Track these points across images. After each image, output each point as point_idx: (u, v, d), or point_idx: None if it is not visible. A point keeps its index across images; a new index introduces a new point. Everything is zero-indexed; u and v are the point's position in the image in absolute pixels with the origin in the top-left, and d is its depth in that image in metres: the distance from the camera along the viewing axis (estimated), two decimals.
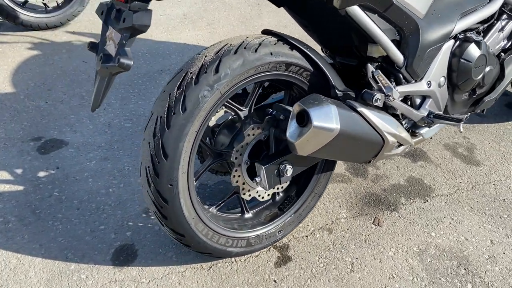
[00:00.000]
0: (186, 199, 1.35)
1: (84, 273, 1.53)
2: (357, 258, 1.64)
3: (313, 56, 1.41)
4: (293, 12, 1.61)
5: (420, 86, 1.62)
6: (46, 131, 2.26)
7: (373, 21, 1.41)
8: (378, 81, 1.44)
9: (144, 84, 2.73)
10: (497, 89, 1.95)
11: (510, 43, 1.97)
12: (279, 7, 1.58)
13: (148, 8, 1.14)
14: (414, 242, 1.72)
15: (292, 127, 1.30)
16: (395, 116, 1.62)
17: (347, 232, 1.76)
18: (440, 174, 2.09)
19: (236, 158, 1.44)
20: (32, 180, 1.94)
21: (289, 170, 1.46)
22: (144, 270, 1.55)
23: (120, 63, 1.12)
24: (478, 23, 1.78)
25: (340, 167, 2.10)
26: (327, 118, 1.28)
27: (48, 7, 3.36)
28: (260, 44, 1.33)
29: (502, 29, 1.89)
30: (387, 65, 1.57)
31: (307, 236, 1.72)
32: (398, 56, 1.52)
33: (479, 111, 1.99)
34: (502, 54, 1.96)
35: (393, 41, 1.50)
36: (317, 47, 1.73)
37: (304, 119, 1.28)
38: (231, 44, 1.31)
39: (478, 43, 1.70)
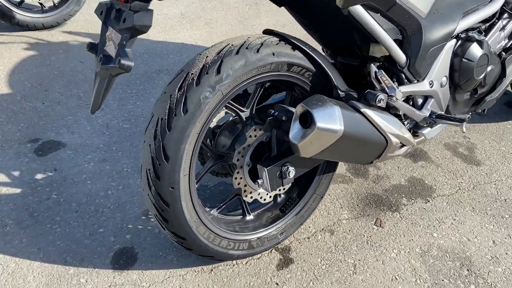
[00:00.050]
0: (187, 202, 1.33)
1: (84, 277, 1.51)
2: (359, 260, 1.63)
3: (315, 56, 1.39)
4: (294, 12, 1.59)
5: (422, 86, 1.60)
6: (43, 133, 2.24)
7: (375, 20, 1.40)
8: (381, 81, 1.43)
9: (142, 84, 2.71)
10: (498, 89, 1.94)
11: (511, 42, 1.96)
12: (280, 6, 1.56)
13: (149, 8, 1.12)
14: (416, 243, 1.71)
15: (295, 129, 1.29)
16: (397, 116, 1.61)
17: (349, 233, 1.74)
18: (441, 174, 2.08)
19: (238, 160, 1.42)
20: (29, 182, 1.92)
21: (292, 172, 1.44)
22: (145, 273, 1.53)
23: (121, 64, 1.09)
24: (479, 22, 1.77)
25: (341, 167, 2.09)
26: (331, 119, 1.26)
27: (45, 6, 3.33)
28: (262, 44, 1.31)
29: (503, 28, 1.88)
30: (389, 65, 1.56)
31: (308, 238, 1.71)
32: (400, 56, 1.50)
33: (480, 110, 1.98)
34: (503, 53, 1.95)
35: (395, 40, 1.49)
36: (318, 47, 1.71)
37: (307, 121, 1.27)
38: (232, 45, 1.29)
39: (480, 43, 1.69)
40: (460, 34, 1.69)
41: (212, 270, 1.55)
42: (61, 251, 1.60)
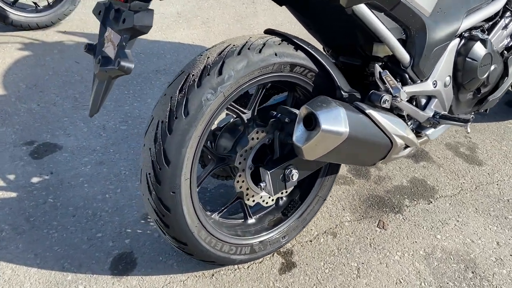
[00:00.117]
0: (188, 207, 1.30)
1: (82, 284, 1.48)
2: (362, 263, 1.60)
3: (318, 57, 1.36)
4: (295, 11, 1.56)
5: (426, 86, 1.58)
6: (39, 135, 2.20)
7: (379, 19, 1.37)
8: (386, 81, 1.40)
9: (139, 85, 2.67)
10: (501, 88, 1.92)
11: None
12: (281, 5, 1.53)
13: (149, 8, 1.08)
14: (420, 245, 1.69)
15: (299, 131, 1.26)
16: (401, 117, 1.58)
17: (352, 236, 1.72)
18: (443, 175, 2.06)
19: (240, 163, 1.39)
20: (25, 186, 1.88)
21: (295, 175, 1.41)
22: (144, 279, 1.50)
23: (121, 66, 1.06)
24: (483, 21, 1.75)
25: (342, 168, 2.06)
26: (336, 121, 1.24)
27: (39, 6, 3.28)
28: (264, 44, 1.28)
29: (505, 26, 1.86)
30: (392, 65, 1.53)
31: (311, 241, 1.68)
32: (404, 55, 1.48)
33: (482, 110, 1.96)
34: (505, 52, 1.93)
35: (399, 40, 1.46)
36: (319, 46, 1.68)
37: (311, 123, 1.24)
38: (234, 45, 1.26)
39: (484, 42, 1.67)
40: (463, 33, 1.67)
41: (213, 275, 1.52)
42: (58, 257, 1.57)
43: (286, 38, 1.35)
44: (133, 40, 1.09)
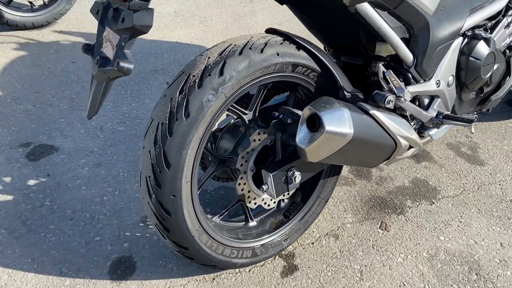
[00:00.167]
0: (189, 210, 1.27)
1: None
2: (365, 266, 1.58)
3: (320, 56, 1.34)
4: (296, 9, 1.53)
5: (429, 86, 1.56)
6: (35, 136, 2.16)
7: (383, 18, 1.34)
8: (390, 81, 1.37)
9: (137, 85, 2.64)
10: (504, 87, 1.90)
11: None
12: (282, 4, 1.50)
13: (149, 7, 1.05)
14: (423, 247, 1.67)
15: (302, 132, 1.23)
16: (404, 117, 1.56)
17: (354, 237, 1.69)
18: (444, 175, 2.04)
19: (241, 165, 1.37)
20: (21, 189, 1.84)
21: (298, 177, 1.38)
22: (144, 284, 1.47)
23: (120, 67, 1.02)
24: (485, 19, 1.73)
25: (343, 169, 2.03)
26: (340, 122, 1.21)
27: (34, 5, 3.24)
28: (266, 44, 1.25)
29: (508, 25, 1.84)
30: (395, 64, 1.51)
31: (313, 243, 1.66)
32: (407, 54, 1.45)
33: (485, 110, 1.94)
34: (507, 51, 1.91)
35: (402, 39, 1.44)
36: (320, 46, 1.66)
37: (315, 124, 1.21)
38: (235, 45, 1.23)
39: (487, 41, 1.65)
40: (466, 32, 1.65)
41: (214, 279, 1.50)
42: (56, 261, 1.53)
43: (288, 37, 1.32)
44: (133, 40, 1.06)
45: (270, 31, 1.38)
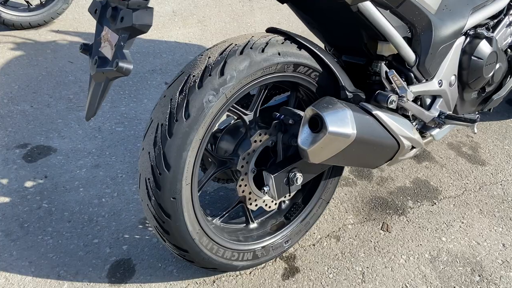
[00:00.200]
0: (189, 213, 1.25)
1: None
2: (367, 267, 1.56)
3: (322, 56, 1.32)
4: (297, 8, 1.51)
5: (431, 86, 1.54)
6: (32, 137, 2.13)
7: (385, 17, 1.33)
8: (392, 81, 1.36)
9: (135, 85, 2.61)
10: (505, 87, 1.89)
11: None
12: (282, 3, 1.48)
13: (149, 6, 1.03)
14: (425, 248, 1.65)
15: (304, 133, 1.21)
16: (405, 117, 1.54)
17: (355, 239, 1.68)
18: (446, 175, 2.02)
19: (242, 166, 1.35)
20: (19, 190, 1.82)
21: (299, 178, 1.36)
22: (143, 287, 1.45)
23: (119, 67, 1.00)
24: (487, 18, 1.72)
25: (344, 170, 2.01)
26: (343, 123, 1.19)
27: (31, 5, 3.20)
28: (267, 43, 1.23)
29: (510, 24, 1.83)
30: (397, 64, 1.49)
31: (314, 245, 1.64)
32: (410, 54, 1.44)
33: (486, 109, 1.93)
34: (509, 50, 1.90)
35: (404, 38, 1.42)
36: (321, 45, 1.64)
37: (317, 125, 1.19)
38: (236, 44, 1.21)
39: (489, 40, 1.63)
40: (468, 31, 1.64)
41: (214, 282, 1.48)
42: (54, 264, 1.51)
43: (289, 37, 1.30)
44: (132, 40, 1.04)
45: (271, 30, 1.36)
